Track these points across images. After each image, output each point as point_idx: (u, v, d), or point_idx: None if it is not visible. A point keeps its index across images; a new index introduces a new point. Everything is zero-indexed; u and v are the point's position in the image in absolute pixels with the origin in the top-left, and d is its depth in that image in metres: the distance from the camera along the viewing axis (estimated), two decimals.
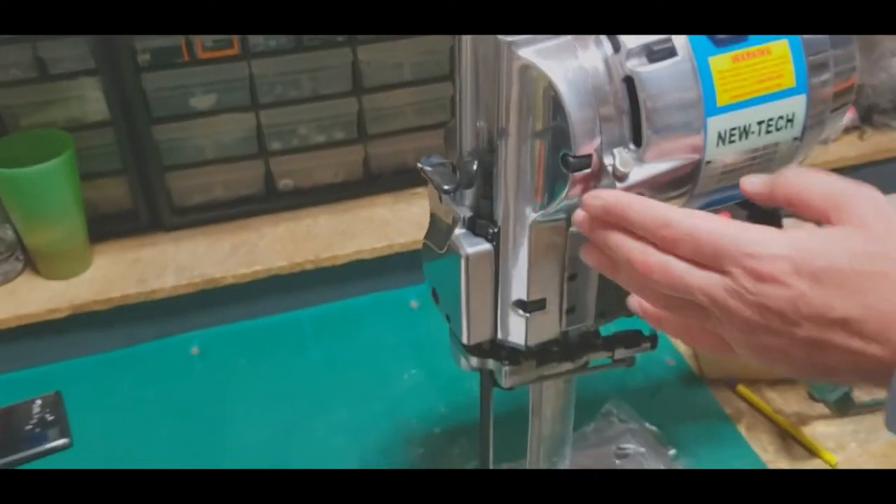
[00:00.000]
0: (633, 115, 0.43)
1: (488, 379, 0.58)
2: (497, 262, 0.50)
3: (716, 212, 0.42)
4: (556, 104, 0.42)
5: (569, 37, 0.43)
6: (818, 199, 0.40)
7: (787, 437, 0.79)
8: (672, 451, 0.77)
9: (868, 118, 1.16)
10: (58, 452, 0.81)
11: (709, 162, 0.44)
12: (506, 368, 0.55)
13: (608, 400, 0.81)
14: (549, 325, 0.52)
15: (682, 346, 0.89)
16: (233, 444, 0.81)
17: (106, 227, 0.98)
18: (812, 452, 0.77)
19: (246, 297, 0.95)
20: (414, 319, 0.96)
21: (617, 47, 0.42)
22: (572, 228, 0.45)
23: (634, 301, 0.46)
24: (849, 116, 1.14)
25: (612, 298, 0.52)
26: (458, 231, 0.50)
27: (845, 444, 0.78)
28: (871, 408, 0.79)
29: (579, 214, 0.43)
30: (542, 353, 0.55)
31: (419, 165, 0.53)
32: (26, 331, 0.89)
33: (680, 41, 0.42)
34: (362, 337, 0.94)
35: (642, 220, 0.40)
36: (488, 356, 0.56)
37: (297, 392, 0.87)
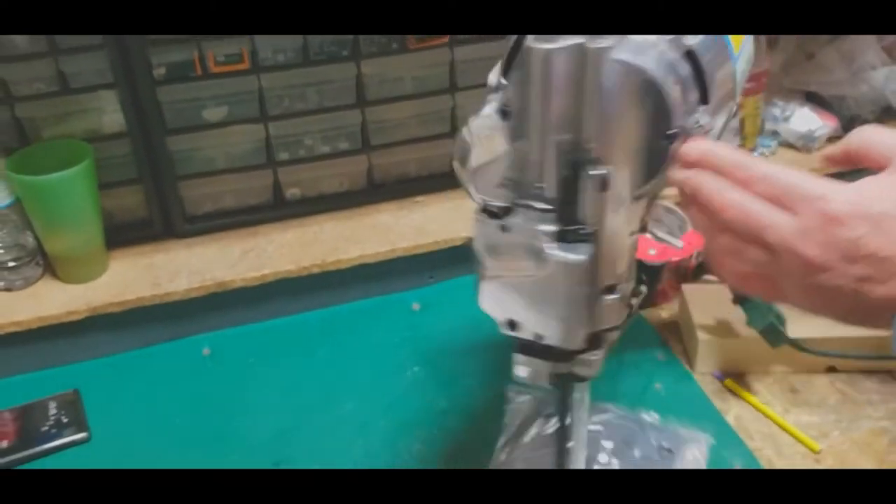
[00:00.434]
0: (698, 80, 0.49)
1: (569, 382, 0.61)
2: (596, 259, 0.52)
3: None
4: (652, 91, 0.47)
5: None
6: (881, 149, 0.46)
7: (773, 426, 0.82)
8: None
9: (850, 128, 1.20)
10: (77, 446, 0.85)
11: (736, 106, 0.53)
12: (593, 357, 0.57)
13: None
14: (621, 309, 0.56)
15: (672, 342, 0.93)
16: (243, 437, 0.84)
17: (121, 234, 1.02)
18: (797, 440, 0.81)
19: (255, 299, 0.99)
20: (416, 321, 1.00)
21: None
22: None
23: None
24: (832, 126, 1.19)
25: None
26: (549, 245, 0.52)
27: (828, 433, 0.81)
28: (796, 344, 0.83)
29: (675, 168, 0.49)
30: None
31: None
32: (46, 332, 0.93)
33: None
34: (366, 337, 0.97)
35: (725, 163, 0.46)
36: (562, 358, 0.58)
37: (304, 388, 0.90)
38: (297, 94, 1.01)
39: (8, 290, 0.96)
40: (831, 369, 0.88)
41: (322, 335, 0.98)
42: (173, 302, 0.96)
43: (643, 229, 0.56)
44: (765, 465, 0.78)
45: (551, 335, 0.55)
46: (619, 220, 0.51)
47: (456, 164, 0.55)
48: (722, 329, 0.88)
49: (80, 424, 0.86)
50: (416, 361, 0.93)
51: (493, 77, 0.51)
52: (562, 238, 0.52)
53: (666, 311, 0.98)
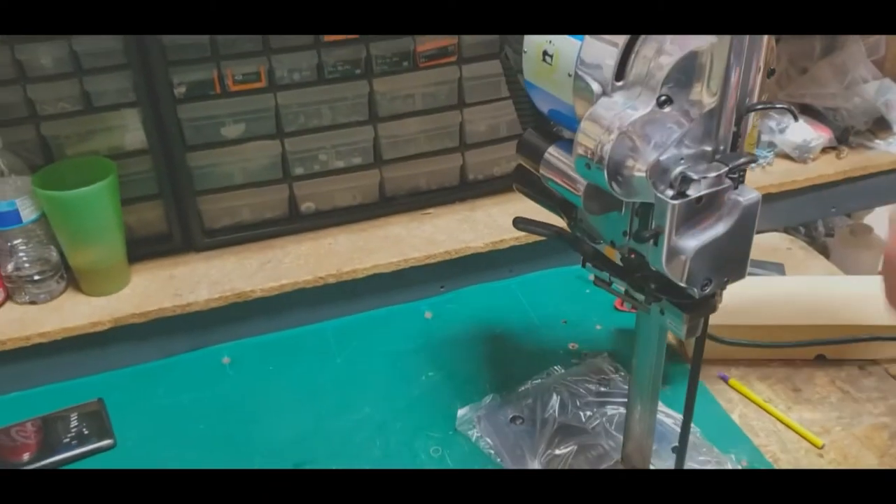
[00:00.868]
0: None
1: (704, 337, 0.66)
2: None
3: None
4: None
5: None
6: None
7: (777, 424, 0.85)
8: None
9: (844, 139, 1.25)
10: (103, 452, 0.87)
11: None
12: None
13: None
14: None
15: (672, 340, 0.96)
16: (265, 441, 0.87)
17: (141, 248, 1.05)
18: (800, 437, 0.84)
19: (273, 309, 1.02)
20: (429, 328, 1.03)
21: None
22: None
23: None
24: (826, 137, 1.23)
25: None
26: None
27: (830, 429, 0.84)
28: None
29: None
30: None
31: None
32: (71, 343, 0.96)
33: None
34: (382, 344, 1.00)
35: None
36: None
37: (322, 393, 0.93)
38: (311, 111, 1.05)
39: (33, 303, 0.99)
40: (820, 357, 0.92)
41: (338, 343, 1.01)
42: (194, 312, 0.99)
43: None
44: (770, 461, 0.81)
45: (717, 280, 0.60)
46: None
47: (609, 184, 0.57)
48: (716, 329, 0.91)
49: (103, 433, 0.88)
50: (430, 367, 0.96)
51: (597, 86, 0.55)
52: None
53: None
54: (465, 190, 1.15)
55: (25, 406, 0.92)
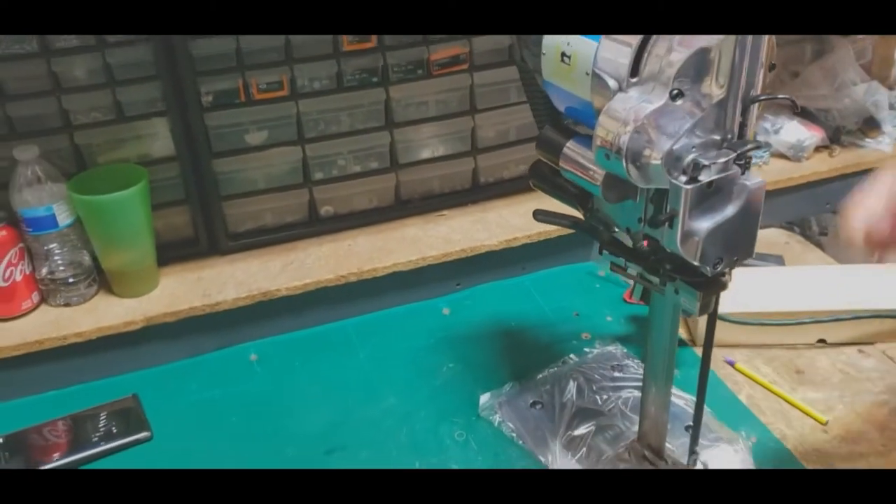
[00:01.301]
0: None
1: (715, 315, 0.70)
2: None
3: None
4: None
5: None
6: None
7: (783, 403, 0.90)
8: None
9: (836, 138, 1.31)
10: (141, 444, 0.91)
11: None
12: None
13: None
14: None
15: (680, 329, 1.01)
16: (296, 431, 0.91)
17: (168, 252, 1.10)
18: (805, 414, 0.89)
19: (297, 307, 1.06)
20: (447, 323, 1.08)
21: None
22: None
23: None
24: (819, 136, 1.29)
25: None
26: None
27: (833, 406, 0.89)
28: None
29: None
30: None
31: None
32: (106, 342, 1.00)
33: None
34: (403, 339, 1.05)
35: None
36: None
37: (348, 386, 0.97)
38: (331, 118, 1.10)
39: (67, 304, 1.04)
40: (821, 341, 0.97)
41: (361, 339, 1.05)
42: (222, 312, 1.04)
43: None
44: (777, 437, 0.86)
45: (728, 257, 0.65)
46: None
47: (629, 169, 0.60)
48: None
49: (140, 426, 0.92)
50: (450, 359, 1.01)
51: (613, 82, 0.60)
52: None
53: None
54: (478, 192, 1.20)
55: (62, 404, 0.95)
